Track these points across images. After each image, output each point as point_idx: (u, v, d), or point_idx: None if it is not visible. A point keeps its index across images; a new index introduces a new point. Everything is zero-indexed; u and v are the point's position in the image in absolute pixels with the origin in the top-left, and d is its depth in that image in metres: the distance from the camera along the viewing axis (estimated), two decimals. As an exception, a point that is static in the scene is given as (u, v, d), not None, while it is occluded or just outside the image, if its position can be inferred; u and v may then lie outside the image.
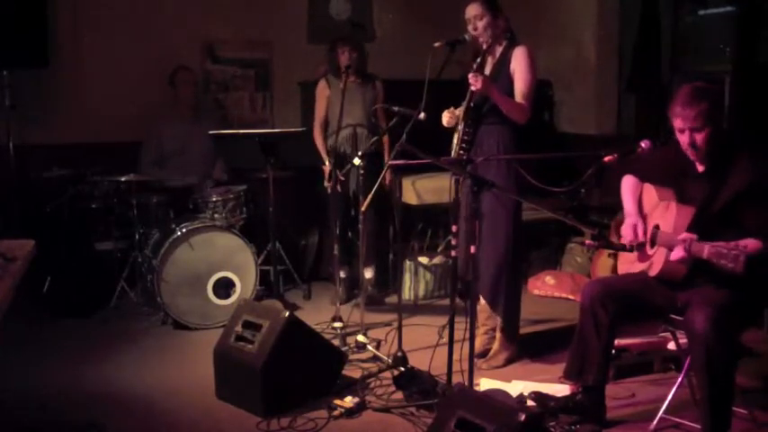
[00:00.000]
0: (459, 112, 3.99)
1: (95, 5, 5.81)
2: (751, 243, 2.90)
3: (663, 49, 5.74)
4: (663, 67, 5.75)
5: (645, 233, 3.25)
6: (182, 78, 5.51)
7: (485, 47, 3.89)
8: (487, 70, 3.91)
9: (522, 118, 3.85)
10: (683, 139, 3.08)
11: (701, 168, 3.16)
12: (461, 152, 3.88)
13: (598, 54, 6.10)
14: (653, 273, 3.16)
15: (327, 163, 5.03)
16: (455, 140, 4.00)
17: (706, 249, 2.82)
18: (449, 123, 4.02)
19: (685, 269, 3.05)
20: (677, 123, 3.08)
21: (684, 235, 2.93)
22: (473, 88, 3.76)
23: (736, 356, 3.10)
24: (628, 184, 3.43)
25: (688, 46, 5.68)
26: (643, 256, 3.27)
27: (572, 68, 6.28)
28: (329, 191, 4.98)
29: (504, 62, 3.89)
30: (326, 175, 5.05)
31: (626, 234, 3.30)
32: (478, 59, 3.92)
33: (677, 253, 2.95)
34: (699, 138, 3.04)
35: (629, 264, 3.36)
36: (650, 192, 3.33)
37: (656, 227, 3.20)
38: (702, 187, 3.11)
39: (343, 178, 4.88)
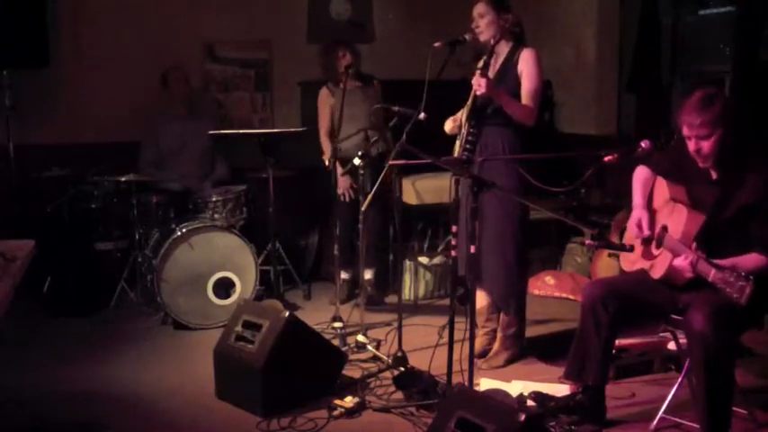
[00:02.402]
0: (461, 116, 3.99)
1: (95, 5, 5.81)
2: (752, 259, 2.91)
3: (663, 49, 5.73)
4: (663, 67, 5.75)
5: (650, 228, 3.23)
6: (173, 77, 5.49)
7: (492, 42, 3.86)
8: (492, 70, 3.90)
9: (528, 119, 3.84)
10: (690, 145, 3.06)
11: (714, 176, 3.13)
12: (466, 153, 3.88)
13: (598, 54, 6.10)
14: (656, 275, 3.15)
15: (336, 167, 4.98)
16: (458, 142, 4.00)
17: (712, 273, 2.79)
18: (452, 131, 4.02)
19: (688, 277, 3.04)
20: (684, 131, 3.06)
21: (691, 255, 2.90)
22: (477, 93, 3.76)
23: (735, 357, 3.09)
24: (640, 175, 3.40)
25: (688, 46, 5.68)
26: (647, 255, 3.26)
27: (572, 68, 6.28)
28: (342, 198, 4.98)
29: (510, 63, 3.89)
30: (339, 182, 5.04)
31: (630, 229, 3.29)
32: (482, 60, 3.92)
33: (680, 262, 2.93)
34: (705, 145, 3.02)
35: (632, 261, 3.36)
36: (662, 187, 3.30)
37: (665, 228, 3.18)
38: (713, 193, 3.10)
39: (355, 186, 4.86)
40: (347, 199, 5.04)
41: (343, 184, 5.04)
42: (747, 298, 2.69)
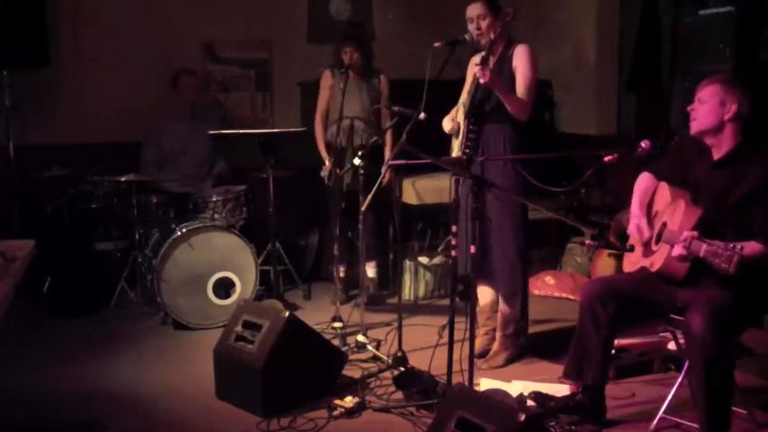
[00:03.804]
0: (458, 114, 4.00)
1: (95, 5, 5.80)
2: (751, 245, 2.90)
3: (663, 49, 5.74)
4: (663, 67, 5.75)
5: (650, 231, 3.25)
6: (185, 82, 5.47)
7: (493, 37, 3.86)
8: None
9: (523, 114, 3.86)
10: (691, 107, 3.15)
11: (716, 155, 3.16)
12: (466, 151, 3.89)
13: (598, 54, 6.10)
14: (654, 269, 3.16)
15: (323, 156, 5.04)
16: (456, 140, 4.01)
17: (703, 248, 2.83)
18: (451, 130, 4.02)
19: (686, 267, 3.05)
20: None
21: (686, 233, 2.93)
22: (481, 80, 3.75)
23: (735, 357, 3.10)
24: (641, 182, 3.42)
25: (688, 46, 5.68)
26: (647, 252, 3.27)
27: (572, 68, 6.28)
28: (326, 181, 4.99)
29: (505, 60, 3.90)
30: (326, 170, 5.04)
31: (632, 233, 3.32)
32: (481, 56, 3.93)
33: (677, 250, 2.95)
34: (698, 109, 3.10)
35: (633, 262, 3.36)
36: (664, 191, 3.32)
37: (664, 224, 3.20)
38: (719, 179, 3.11)
39: (338, 172, 4.87)
40: (328, 183, 5.02)
41: (328, 166, 5.03)
42: (735, 266, 2.71)
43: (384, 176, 4.82)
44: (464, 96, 4.05)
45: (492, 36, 3.86)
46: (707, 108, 3.10)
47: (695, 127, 3.16)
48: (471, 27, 3.88)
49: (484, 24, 3.87)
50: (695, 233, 2.90)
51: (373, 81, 5.12)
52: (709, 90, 3.11)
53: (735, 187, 3.06)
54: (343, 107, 4.82)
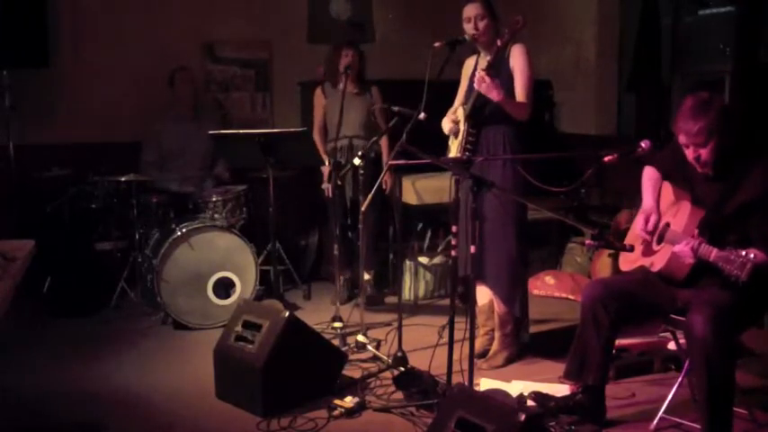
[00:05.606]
0: (458, 113, 4.00)
1: (95, 5, 5.81)
2: (758, 253, 2.89)
3: (663, 49, 5.74)
4: (663, 67, 5.75)
5: (655, 228, 3.23)
6: (180, 78, 5.50)
7: (499, 44, 3.87)
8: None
9: (523, 115, 3.87)
10: (688, 153, 3.06)
11: (714, 175, 3.12)
12: (466, 153, 3.89)
13: (598, 54, 6.10)
14: (655, 268, 3.16)
15: (327, 164, 5.04)
16: (453, 141, 4.01)
17: (714, 253, 2.82)
18: (450, 130, 4.02)
19: (688, 268, 3.05)
20: (681, 139, 3.06)
21: (693, 239, 2.92)
22: (478, 88, 3.76)
23: (735, 358, 3.09)
24: (649, 176, 3.39)
25: (688, 46, 5.68)
26: (648, 252, 3.27)
27: (572, 68, 6.28)
28: (326, 193, 5.00)
29: (502, 60, 3.90)
30: (325, 177, 5.06)
31: (637, 221, 3.28)
32: (476, 57, 3.94)
33: (681, 247, 2.94)
34: (703, 152, 3.02)
35: (631, 261, 3.36)
36: (668, 191, 3.32)
37: (667, 224, 3.19)
38: (714, 191, 3.10)
39: (339, 182, 4.88)
40: (329, 194, 5.03)
41: (328, 167, 5.05)
42: (748, 273, 2.71)
43: (385, 180, 4.86)
44: (461, 98, 4.06)
45: (489, 38, 3.87)
46: (710, 149, 3.01)
47: (708, 169, 3.08)
48: (468, 27, 3.88)
49: (482, 25, 3.87)
50: (703, 239, 2.90)
51: (366, 96, 5.12)
52: (702, 134, 2.98)
53: (732, 195, 3.04)
54: (343, 125, 4.79)
